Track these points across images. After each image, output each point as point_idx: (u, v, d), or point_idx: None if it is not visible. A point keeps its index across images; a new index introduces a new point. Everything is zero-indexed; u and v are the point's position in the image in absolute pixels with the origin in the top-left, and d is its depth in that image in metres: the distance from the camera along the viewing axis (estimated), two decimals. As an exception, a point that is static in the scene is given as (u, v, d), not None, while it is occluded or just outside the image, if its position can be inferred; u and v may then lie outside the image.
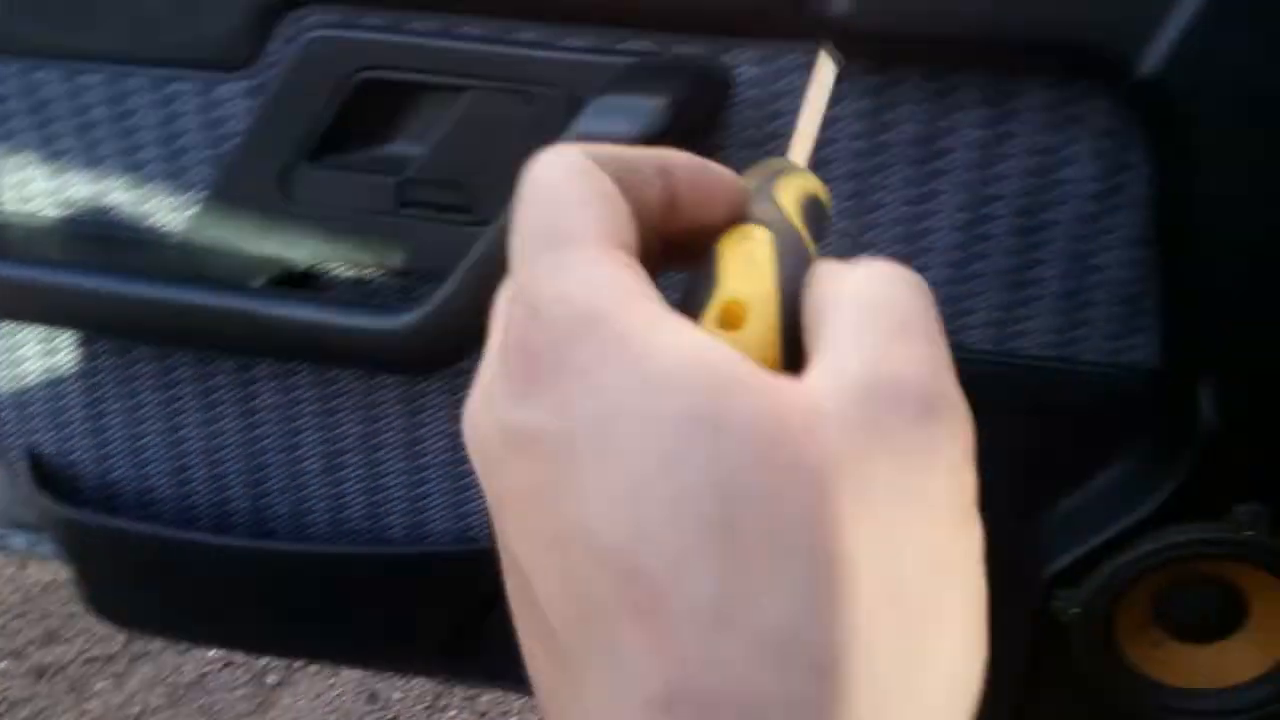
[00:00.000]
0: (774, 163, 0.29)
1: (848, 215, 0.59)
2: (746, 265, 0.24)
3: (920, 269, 0.59)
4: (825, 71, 0.34)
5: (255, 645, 0.94)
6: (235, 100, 0.63)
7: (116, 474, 0.79)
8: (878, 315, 0.21)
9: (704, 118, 0.57)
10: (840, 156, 0.58)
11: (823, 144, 0.58)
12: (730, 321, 0.23)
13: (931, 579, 0.20)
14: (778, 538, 0.18)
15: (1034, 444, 0.62)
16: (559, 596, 0.19)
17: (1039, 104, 0.54)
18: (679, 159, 0.24)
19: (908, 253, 0.59)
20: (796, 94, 0.57)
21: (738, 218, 0.25)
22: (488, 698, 1.56)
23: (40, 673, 1.54)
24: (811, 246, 0.25)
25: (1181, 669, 0.66)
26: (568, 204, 0.22)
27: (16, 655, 1.56)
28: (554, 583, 0.19)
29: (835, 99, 0.57)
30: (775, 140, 0.58)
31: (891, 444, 0.19)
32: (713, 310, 0.23)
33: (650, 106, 0.53)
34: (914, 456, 0.19)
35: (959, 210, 0.58)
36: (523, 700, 1.55)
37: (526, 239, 0.22)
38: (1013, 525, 0.65)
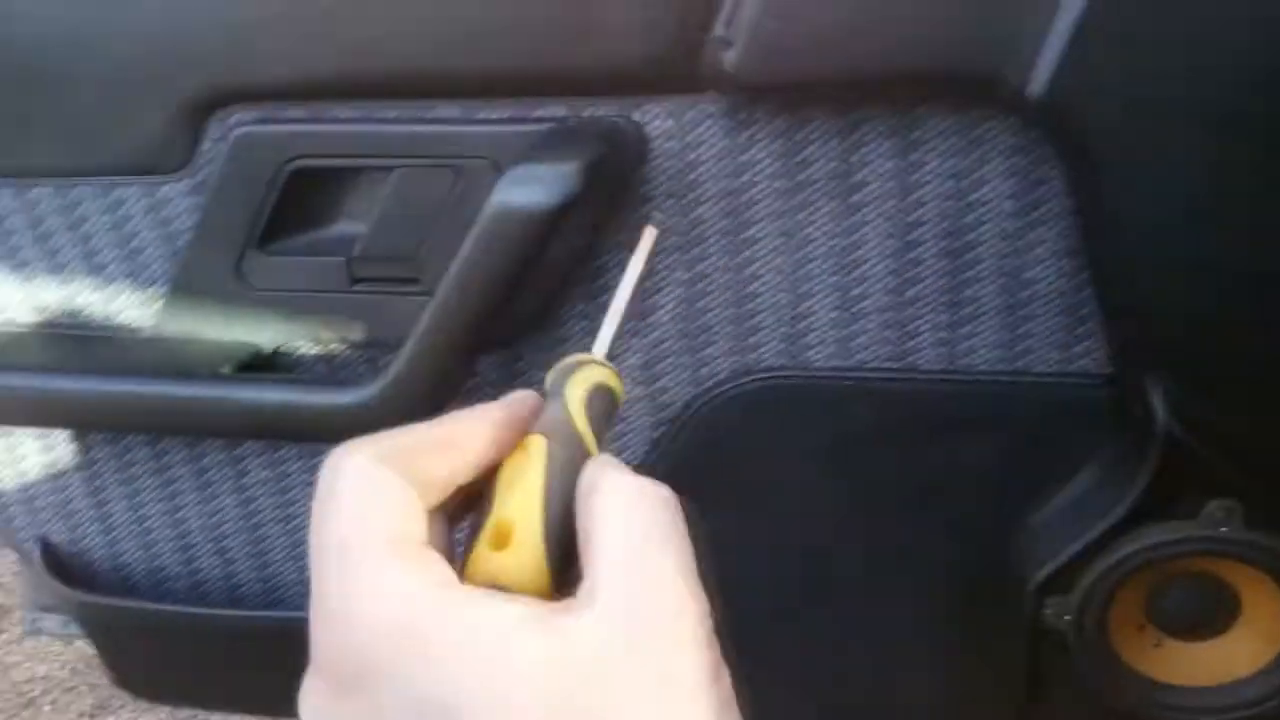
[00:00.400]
0: (574, 359, 0.38)
1: (780, 252, 0.66)
2: (517, 484, 0.31)
3: (860, 297, 0.66)
4: (647, 240, 0.43)
5: (281, 709, 1.05)
6: (179, 199, 0.72)
7: (126, 556, 0.89)
8: (633, 544, 0.29)
9: (620, 175, 0.64)
10: (763, 198, 0.64)
11: (745, 188, 0.64)
12: (499, 542, 0.30)
13: None
14: None
15: (999, 459, 0.68)
16: None
17: (946, 129, 0.60)
18: (460, 430, 0.32)
19: (845, 283, 0.66)
20: (710, 143, 0.64)
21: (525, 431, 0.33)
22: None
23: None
24: (589, 441, 0.33)
25: (1182, 667, 0.71)
26: (351, 517, 0.29)
27: (69, 726, 1.71)
28: None
29: (749, 143, 0.63)
30: (694, 190, 0.65)
31: (645, 652, 0.28)
32: (486, 534, 0.30)
33: (565, 172, 0.60)
34: (666, 655, 0.28)
35: (887, 238, 0.64)
36: None
37: (319, 553, 0.29)
38: (994, 539, 0.71)
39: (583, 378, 0.36)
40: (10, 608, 2.00)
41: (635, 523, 0.30)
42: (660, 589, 0.29)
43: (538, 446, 0.32)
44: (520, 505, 0.31)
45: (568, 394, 0.34)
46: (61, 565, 0.91)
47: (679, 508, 0.31)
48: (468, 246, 0.62)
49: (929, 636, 0.77)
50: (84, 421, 0.79)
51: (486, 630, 0.27)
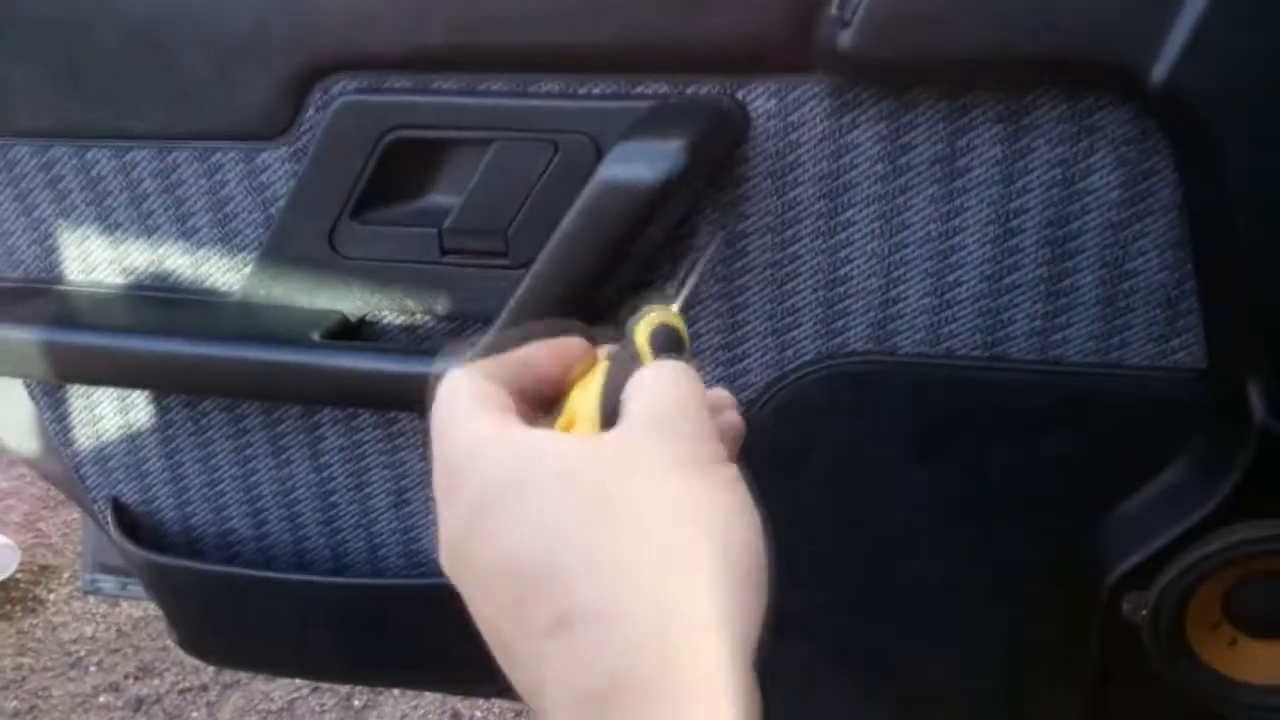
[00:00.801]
0: (647, 307, 0.45)
1: (876, 236, 0.65)
2: (583, 390, 0.40)
3: (955, 284, 0.65)
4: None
5: (338, 676, 1.06)
6: (277, 166, 0.73)
7: (196, 519, 0.90)
8: (655, 401, 0.37)
9: (722, 155, 0.64)
10: (863, 180, 0.64)
11: (844, 170, 0.64)
12: (566, 428, 0.39)
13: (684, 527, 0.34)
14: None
15: (1087, 451, 0.68)
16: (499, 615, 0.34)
17: (1056, 116, 0.60)
18: (538, 355, 0.40)
19: (940, 269, 0.65)
20: (812, 124, 0.63)
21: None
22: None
23: (138, 705, 1.71)
24: (647, 360, 0.40)
25: (1259, 665, 0.71)
26: (459, 402, 0.37)
27: (114, 689, 1.73)
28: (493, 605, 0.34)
29: (851, 124, 0.63)
30: (792, 170, 0.64)
31: (673, 461, 0.35)
32: (559, 424, 0.39)
33: (670, 149, 0.60)
34: (685, 442, 0.35)
35: (987, 224, 0.63)
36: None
37: (435, 432, 0.37)
38: (1075, 532, 0.71)
39: (650, 319, 0.43)
40: (59, 568, 2.03)
41: (664, 378, 0.38)
42: (682, 409, 0.36)
43: (602, 365, 0.40)
44: (583, 401, 0.39)
45: (635, 332, 0.42)
46: (132, 525, 0.92)
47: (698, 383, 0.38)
48: (569, 220, 0.62)
49: (1003, 627, 0.76)
50: (170, 384, 0.79)
51: (535, 438, 0.35)
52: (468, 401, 0.37)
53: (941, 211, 0.64)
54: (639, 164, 0.58)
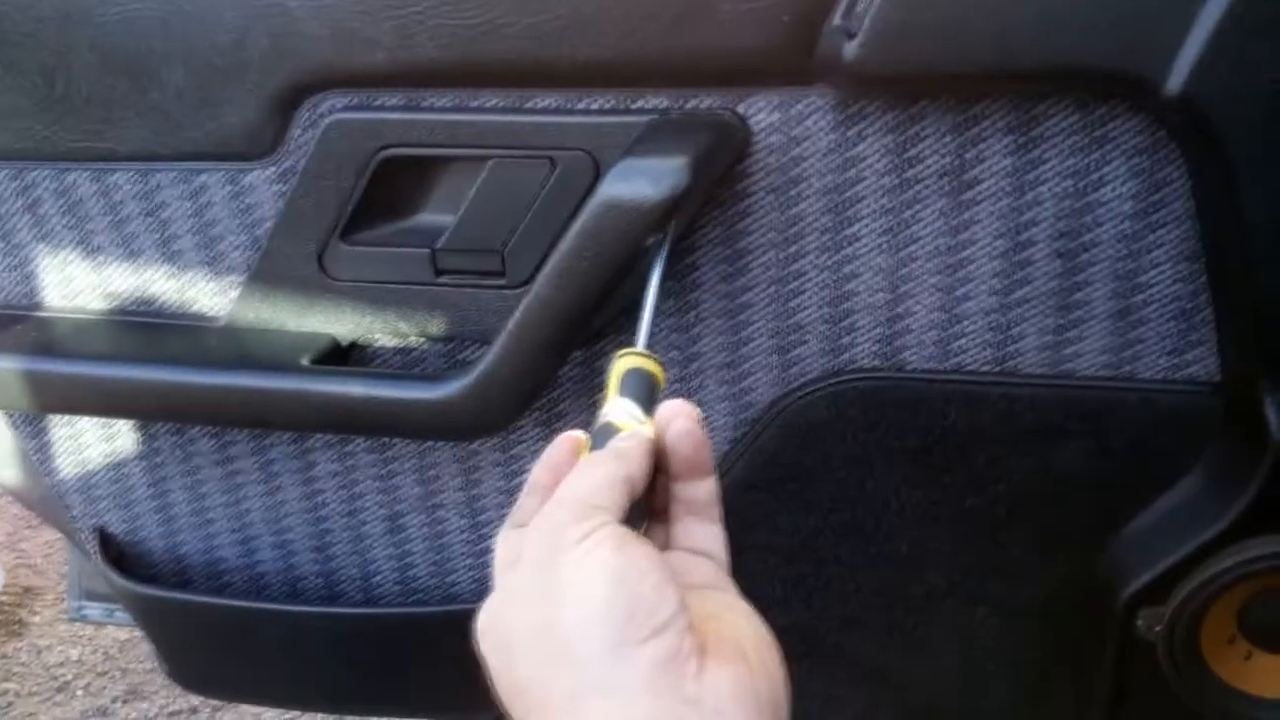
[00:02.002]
0: (621, 353, 0.49)
1: (882, 251, 0.64)
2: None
3: (964, 298, 0.63)
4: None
5: (329, 706, 1.03)
6: (263, 187, 0.70)
7: (185, 548, 0.88)
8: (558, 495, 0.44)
9: (724, 170, 0.62)
10: (869, 194, 0.62)
11: (850, 183, 0.62)
12: None
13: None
14: None
15: (1100, 466, 0.66)
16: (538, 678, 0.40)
17: (1068, 127, 0.58)
18: (540, 480, 0.47)
19: (949, 283, 0.64)
20: (816, 138, 0.61)
21: None
22: None
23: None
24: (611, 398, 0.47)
25: (1274, 679, 0.69)
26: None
27: (103, 713, 1.70)
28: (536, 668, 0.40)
29: (858, 137, 0.61)
30: (796, 185, 0.63)
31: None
32: None
33: (674, 166, 0.58)
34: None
35: (997, 238, 0.62)
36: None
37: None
38: (1087, 548, 0.69)
39: (618, 366, 0.47)
40: (42, 589, 1.99)
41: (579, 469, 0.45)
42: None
43: (583, 455, 0.46)
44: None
45: (609, 378, 0.47)
46: (118, 555, 0.89)
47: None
48: (569, 240, 0.60)
49: (1014, 643, 0.75)
50: (156, 413, 0.76)
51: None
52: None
53: (950, 224, 0.62)
54: (641, 181, 0.56)
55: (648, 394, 0.46)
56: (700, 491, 0.46)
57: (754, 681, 0.40)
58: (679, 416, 0.45)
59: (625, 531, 0.41)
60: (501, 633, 0.42)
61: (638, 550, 0.41)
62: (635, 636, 0.39)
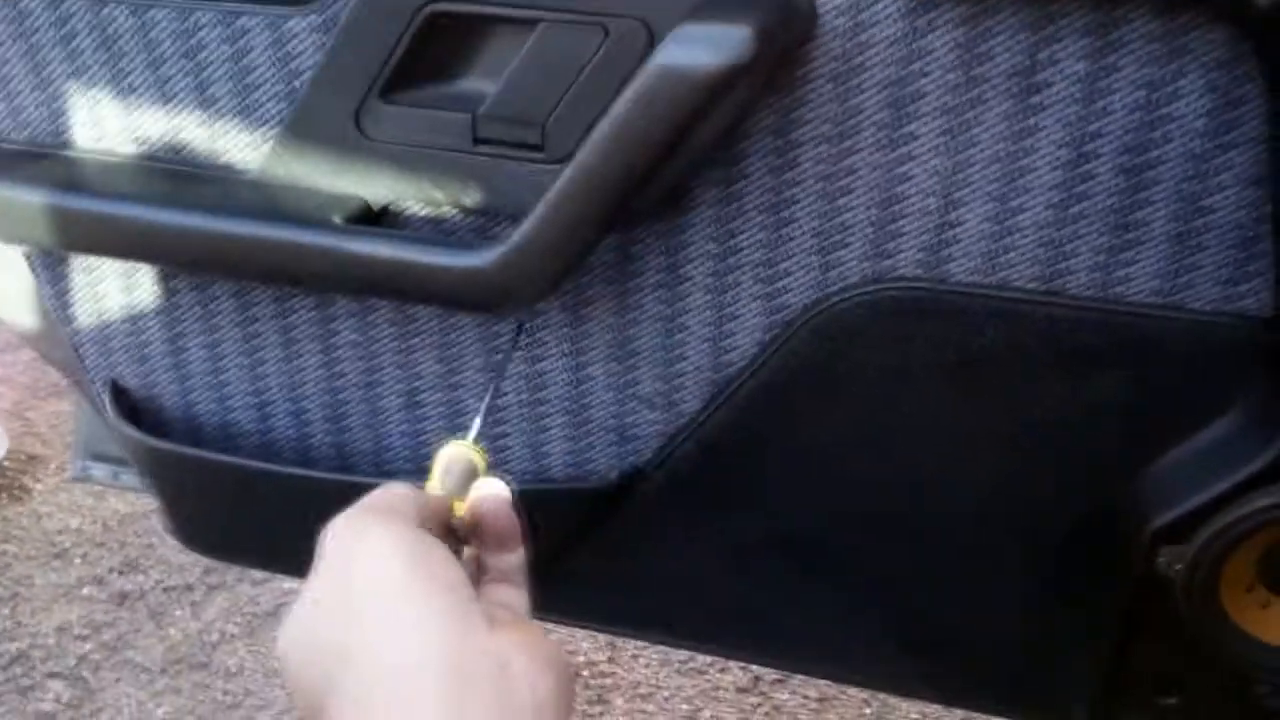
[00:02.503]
0: (446, 442, 0.56)
1: (940, 153, 0.62)
2: None
3: (1018, 209, 0.62)
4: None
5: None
6: (305, 36, 0.68)
7: (198, 407, 0.87)
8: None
9: (786, 51, 0.60)
10: (932, 90, 0.60)
11: (913, 77, 0.60)
12: None
13: None
14: None
15: (1138, 396, 0.65)
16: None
17: (1147, 34, 0.56)
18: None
19: (1005, 192, 0.62)
20: (884, 25, 0.59)
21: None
22: (553, 635, 1.66)
23: (121, 599, 1.70)
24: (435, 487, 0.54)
25: (1290, 630, 0.69)
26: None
27: (98, 582, 1.72)
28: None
29: (927, 28, 0.59)
30: (858, 75, 0.61)
31: None
32: None
33: (736, 35, 0.55)
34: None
35: (1060, 147, 0.60)
36: (590, 639, 1.65)
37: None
38: (1115, 479, 0.68)
39: (441, 454, 0.55)
40: (46, 458, 2.01)
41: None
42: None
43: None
44: None
45: (432, 468, 0.55)
46: (130, 410, 0.89)
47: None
48: (618, 108, 0.58)
49: (1030, 571, 0.74)
50: (179, 260, 0.76)
51: None
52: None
53: (1014, 130, 0.60)
54: (701, 49, 0.54)
55: (466, 481, 0.54)
56: (509, 561, 0.53)
57: (543, 645, 0.45)
58: (490, 495, 0.52)
59: (418, 530, 0.46)
60: (299, 614, 0.45)
61: (427, 538, 0.46)
62: (428, 588, 0.43)
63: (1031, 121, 0.60)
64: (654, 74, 0.56)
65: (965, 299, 0.66)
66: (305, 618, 0.44)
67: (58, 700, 1.52)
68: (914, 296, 0.67)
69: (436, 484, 0.54)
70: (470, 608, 0.43)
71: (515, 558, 0.52)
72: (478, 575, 0.53)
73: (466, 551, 0.53)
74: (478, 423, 0.59)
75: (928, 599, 0.80)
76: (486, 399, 0.64)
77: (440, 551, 0.45)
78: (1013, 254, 0.64)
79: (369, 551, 0.44)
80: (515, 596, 0.52)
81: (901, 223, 0.65)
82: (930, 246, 0.65)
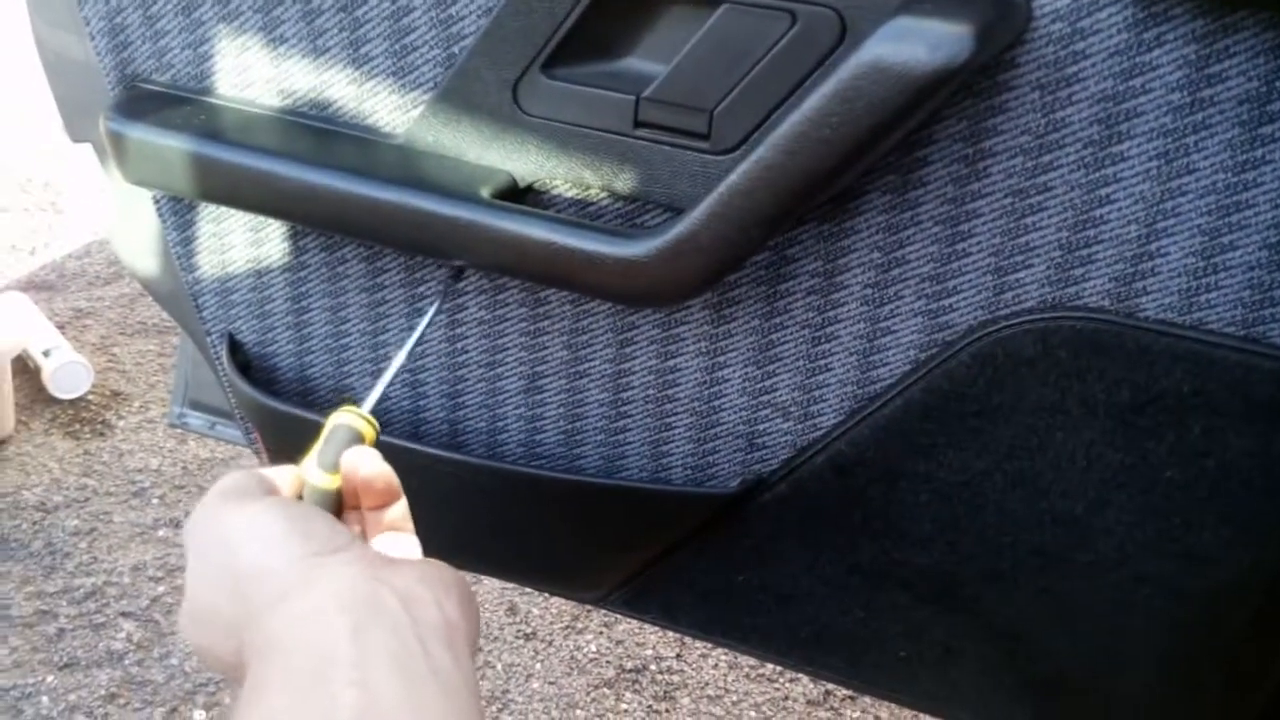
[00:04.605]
0: (339, 410, 0.58)
1: (1149, 178, 0.57)
2: None
3: (1229, 246, 0.57)
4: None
5: (441, 552, 1.02)
6: (470, 1, 0.66)
7: (314, 370, 0.86)
8: None
9: (996, 52, 0.56)
10: (1151, 109, 0.56)
11: (1132, 93, 0.56)
12: None
13: None
14: None
15: None
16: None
17: None
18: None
19: (1216, 226, 0.57)
20: (1105, 33, 0.55)
21: None
22: (624, 626, 1.64)
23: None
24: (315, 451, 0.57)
25: None
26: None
27: (175, 525, 1.74)
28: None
29: (1155, 41, 0.55)
30: (1069, 85, 0.56)
31: None
32: None
33: (955, 34, 0.51)
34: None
35: (1288, 183, 0.55)
36: (658, 635, 1.63)
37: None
38: (1269, 542, 0.64)
39: (331, 417, 0.58)
40: (130, 396, 2.03)
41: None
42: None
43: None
44: None
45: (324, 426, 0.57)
46: (244, 364, 0.88)
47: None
48: (814, 102, 0.54)
49: (1171, 631, 0.70)
50: (315, 219, 0.74)
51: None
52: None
53: (1238, 160, 0.55)
54: (917, 45, 0.50)
55: (344, 450, 0.56)
56: (393, 513, 0.56)
57: (440, 572, 0.48)
58: (364, 461, 0.55)
59: (283, 499, 0.50)
60: (193, 604, 0.48)
61: (298, 504, 0.50)
62: (316, 550, 0.46)
63: (1259, 153, 0.55)
64: (860, 68, 0.52)
65: (1152, 337, 0.61)
66: (200, 600, 0.47)
67: (129, 640, 1.54)
68: (1095, 329, 0.62)
69: (314, 454, 0.56)
70: (363, 557, 0.46)
71: (398, 508, 0.56)
72: (366, 532, 0.56)
73: (351, 515, 0.57)
74: (378, 390, 0.60)
75: (1056, 646, 0.75)
76: (395, 363, 0.64)
77: (321, 519, 0.48)
78: (1214, 294, 0.59)
79: (247, 525, 0.47)
80: (406, 540, 0.56)
81: (1095, 249, 0.60)
82: (1123, 277, 0.60)
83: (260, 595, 0.45)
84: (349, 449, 0.55)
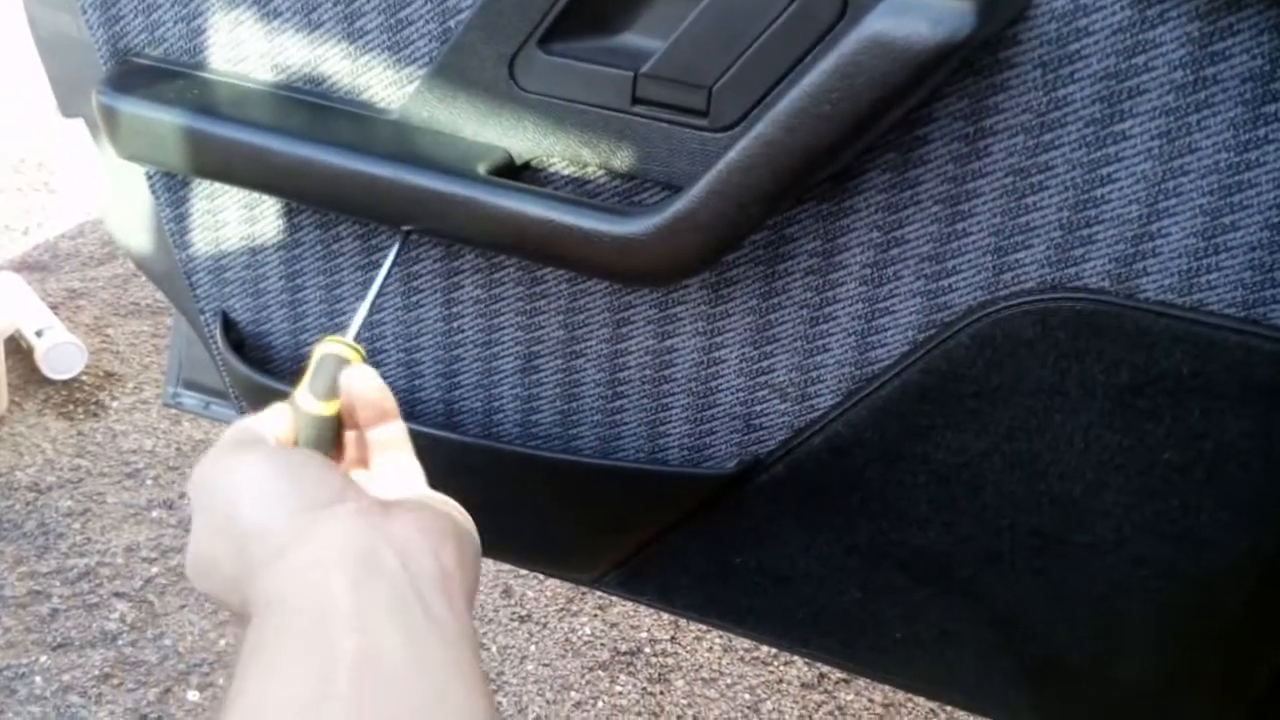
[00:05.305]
0: (323, 339, 0.58)
1: (1151, 157, 0.57)
2: None
3: (1231, 227, 0.57)
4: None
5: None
6: (469, -28, 0.65)
7: (308, 348, 0.85)
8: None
9: (998, 29, 0.55)
10: (1154, 87, 0.56)
11: (1134, 71, 0.56)
12: None
13: None
14: None
15: None
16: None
17: None
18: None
19: (1218, 206, 0.57)
20: (1109, 10, 0.55)
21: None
22: (618, 609, 1.65)
23: (190, 523, 1.71)
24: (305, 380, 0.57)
25: None
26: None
27: (168, 506, 1.73)
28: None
29: (1158, 18, 0.54)
30: (1071, 63, 0.56)
31: None
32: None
33: (956, 8, 0.51)
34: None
35: (1290, 163, 0.55)
36: (653, 617, 1.63)
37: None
38: (1269, 525, 0.64)
39: (317, 348, 0.57)
40: (123, 376, 2.03)
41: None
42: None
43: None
44: None
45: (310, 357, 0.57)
46: (238, 343, 0.87)
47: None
48: (813, 78, 0.54)
49: (1170, 613, 0.70)
50: (310, 196, 0.73)
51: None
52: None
53: (1240, 140, 0.55)
54: (919, 19, 0.50)
55: (337, 377, 0.56)
56: (390, 431, 0.56)
57: (437, 520, 0.48)
58: (360, 376, 0.55)
59: (280, 446, 0.52)
60: (197, 557, 0.49)
61: (295, 454, 0.51)
62: (313, 503, 0.46)
63: (1261, 132, 0.55)
64: (860, 44, 0.52)
65: (1152, 318, 0.61)
66: (203, 555, 0.48)
67: (122, 620, 1.54)
68: (1094, 310, 0.62)
69: (305, 384, 0.56)
70: (359, 507, 0.47)
71: (395, 427, 0.57)
72: (365, 453, 0.57)
73: (350, 436, 0.58)
74: (357, 321, 0.61)
75: (1053, 629, 0.76)
76: (368, 299, 0.64)
77: (311, 467, 0.49)
78: (1215, 275, 0.59)
79: (245, 480, 0.48)
80: (406, 459, 0.57)
81: (1095, 229, 0.60)
82: (1123, 258, 0.60)
83: (259, 552, 0.46)
84: (344, 371, 0.56)
